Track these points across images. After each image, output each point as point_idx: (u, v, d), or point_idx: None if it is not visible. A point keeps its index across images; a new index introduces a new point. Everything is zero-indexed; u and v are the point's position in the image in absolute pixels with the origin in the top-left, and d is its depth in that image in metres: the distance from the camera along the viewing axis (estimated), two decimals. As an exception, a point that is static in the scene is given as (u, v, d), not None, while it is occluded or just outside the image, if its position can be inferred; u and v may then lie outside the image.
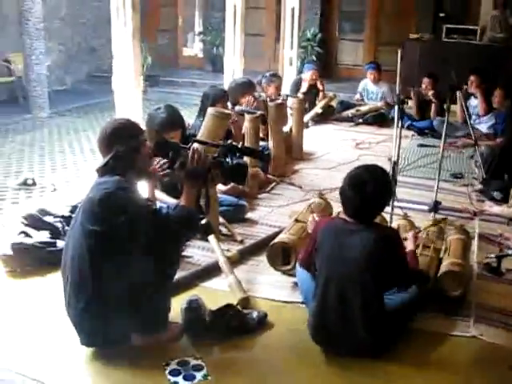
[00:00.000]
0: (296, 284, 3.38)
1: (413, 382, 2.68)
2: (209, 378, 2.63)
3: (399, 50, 4.14)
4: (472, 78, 6.90)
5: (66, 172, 5.95)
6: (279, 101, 5.81)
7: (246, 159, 4.51)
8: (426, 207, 4.68)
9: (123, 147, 2.68)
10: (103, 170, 2.68)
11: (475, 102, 6.97)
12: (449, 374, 2.74)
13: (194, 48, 12.75)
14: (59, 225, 3.86)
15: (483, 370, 2.78)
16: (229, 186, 4.59)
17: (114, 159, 2.66)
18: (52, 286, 3.24)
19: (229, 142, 3.14)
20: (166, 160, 2.98)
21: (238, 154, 3.59)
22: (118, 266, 2.59)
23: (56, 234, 3.79)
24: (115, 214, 2.55)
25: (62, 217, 3.96)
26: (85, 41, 10.75)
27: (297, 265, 3.34)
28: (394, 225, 3.94)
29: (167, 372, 2.66)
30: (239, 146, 3.02)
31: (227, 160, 2.96)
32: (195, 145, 2.85)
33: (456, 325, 3.13)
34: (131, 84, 4.89)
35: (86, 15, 10.61)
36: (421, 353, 2.89)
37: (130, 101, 4.92)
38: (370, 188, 2.77)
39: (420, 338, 3.00)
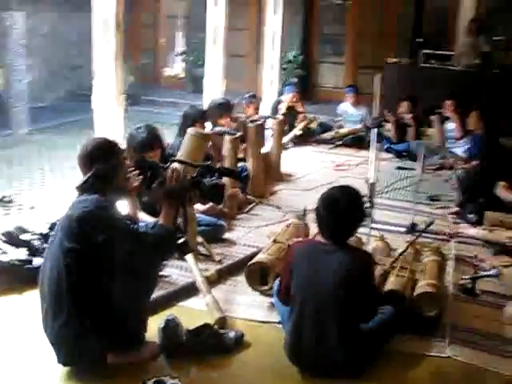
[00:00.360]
0: (273, 304, 3.39)
1: (389, 402, 2.70)
2: (184, 398, 2.63)
3: (374, 75, 4.23)
4: (448, 102, 7.04)
5: (44, 190, 5.90)
6: (258, 122, 5.84)
7: (225, 180, 4.55)
8: (402, 229, 4.74)
9: (103, 166, 2.70)
10: (83, 188, 2.70)
11: (451, 126, 7.10)
12: (424, 395, 2.77)
13: (176, 68, 12.79)
14: (37, 242, 3.84)
15: (459, 390, 2.82)
16: (207, 206, 4.62)
17: (93, 177, 2.68)
18: (29, 304, 3.22)
19: (208, 162, 3.17)
20: (142, 178, 2.99)
21: (216, 175, 3.62)
22: (95, 285, 2.60)
23: (33, 251, 3.76)
24: (93, 232, 2.56)
25: (40, 234, 3.94)
26: (66, 58, 10.73)
27: (275, 286, 3.35)
28: (371, 246, 3.98)
29: (143, 390, 2.64)
30: (217, 166, 3.06)
31: (205, 180, 2.98)
32: (174, 164, 2.87)
33: (432, 345, 3.16)
34: (112, 103, 4.90)
35: (69, 33, 10.61)
36: (398, 373, 2.92)
37: (111, 119, 4.93)
38: (342, 207, 2.82)
39: (396, 358, 3.03)
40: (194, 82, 11.47)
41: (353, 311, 2.84)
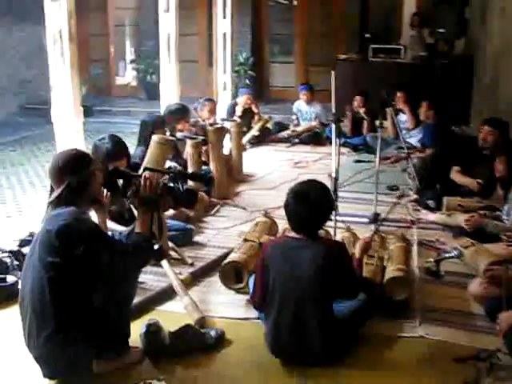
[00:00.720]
0: (250, 301, 3.48)
1: (368, 382, 2.82)
2: (173, 397, 2.70)
3: (332, 71, 4.35)
4: (399, 94, 7.25)
5: (5, 207, 5.84)
6: (218, 125, 5.92)
7: (190, 183, 4.63)
8: (366, 219, 4.90)
9: (76, 178, 2.73)
10: (57, 202, 2.71)
11: (404, 117, 7.31)
12: (400, 372, 2.93)
13: (127, 76, 12.74)
14: (8, 260, 3.83)
15: (431, 365, 2.98)
16: (175, 211, 4.68)
17: (67, 190, 2.70)
18: (4, 322, 3.22)
19: (178, 168, 3.24)
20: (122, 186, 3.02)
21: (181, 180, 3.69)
22: (78, 296, 2.63)
23: (5, 269, 3.76)
24: (74, 245, 2.59)
25: (10, 252, 3.93)
26: (16, 72, 10.58)
27: (250, 284, 3.45)
28: (338, 238, 4.11)
29: (132, 395, 2.71)
30: (188, 172, 3.12)
31: (177, 186, 3.04)
32: (146, 172, 2.93)
33: (403, 327, 3.32)
34: (71, 115, 4.90)
35: (16, 46, 10.47)
36: (373, 355, 3.06)
37: (71, 132, 4.93)
38: (312, 197, 2.92)
39: (371, 342, 3.16)
40: (147, 90, 11.49)
41: (329, 302, 2.96)
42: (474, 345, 3.08)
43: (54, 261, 2.59)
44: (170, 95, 6.82)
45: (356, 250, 3.40)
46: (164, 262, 3.74)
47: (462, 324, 3.35)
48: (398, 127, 6.24)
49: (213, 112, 6.85)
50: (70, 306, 2.63)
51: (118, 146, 4.09)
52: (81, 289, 2.64)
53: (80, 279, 2.63)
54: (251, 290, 3.33)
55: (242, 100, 7.99)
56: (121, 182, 3.52)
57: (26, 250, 3.90)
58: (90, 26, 11.90)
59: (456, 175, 5.21)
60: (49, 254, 2.61)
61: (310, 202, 2.91)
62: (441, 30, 8.01)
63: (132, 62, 12.44)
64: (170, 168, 4.52)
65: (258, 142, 8.06)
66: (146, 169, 2.97)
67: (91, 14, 11.77)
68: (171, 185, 2.98)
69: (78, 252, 2.58)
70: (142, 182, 2.82)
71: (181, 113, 5.60)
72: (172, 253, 4.21)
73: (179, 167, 4.81)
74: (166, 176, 3.20)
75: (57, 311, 2.61)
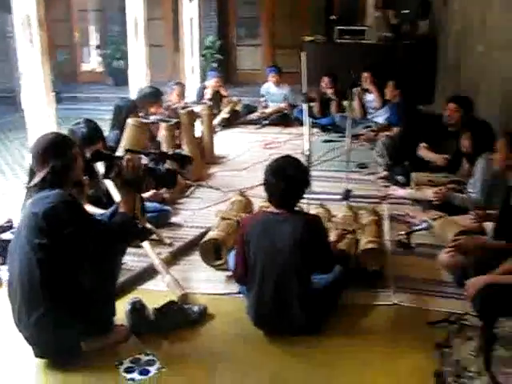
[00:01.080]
0: (230, 277, 3.59)
1: (347, 350, 2.97)
2: (163, 370, 2.80)
3: (302, 52, 4.44)
4: (365, 74, 7.37)
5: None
6: (189, 108, 5.98)
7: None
8: (338, 196, 5.04)
9: (60, 161, 2.77)
10: (41, 185, 2.74)
11: (371, 97, 7.45)
12: (377, 337, 3.09)
13: (92, 62, 12.62)
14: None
15: (406, 329, 3.15)
16: (151, 193, 4.75)
17: (51, 174, 2.74)
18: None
19: (159, 150, 3.30)
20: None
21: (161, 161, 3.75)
22: (67, 277, 2.70)
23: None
24: (61, 226, 2.64)
25: (-9, 237, 3.95)
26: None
27: (229, 260, 3.56)
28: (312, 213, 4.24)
29: (122, 370, 2.79)
30: (170, 152, 3.19)
31: (158, 167, 3.11)
32: (128, 154, 2.99)
33: (378, 296, 3.49)
34: (43, 101, 4.91)
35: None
36: (350, 323, 3.21)
37: (43, 118, 4.94)
38: (290, 171, 3.04)
39: (348, 311, 3.31)
40: (114, 76, 11.42)
41: (308, 273, 3.08)
42: (444, 310, 3.26)
43: (42, 242, 2.65)
44: (139, 80, 6.85)
45: (332, 237, 3.52)
46: (144, 243, 3.81)
47: (433, 291, 3.53)
48: (363, 107, 6.39)
49: (182, 95, 6.90)
50: (59, 286, 2.69)
51: (94, 130, 4.13)
52: (69, 269, 2.70)
53: (68, 260, 2.69)
54: (231, 266, 3.44)
55: (211, 83, 8.04)
56: (99, 164, 3.60)
57: (5, 236, 3.95)
58: (54, 11, 11.71)
59: (423, 151, 5.39)
60: (36, 236, 2.66)
61: (288, 175, 3.02)
62: (405, 11, 8.15)
63: (97, 47, 12.32)
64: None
65: (227, 124, 8.13)
66: (127, 150, 3.03)
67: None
68: (152, 166, 3.04)
69: (66, 233, 2.64)
70: (125, 163, 2.88)
71: (154, 96, 5.64)
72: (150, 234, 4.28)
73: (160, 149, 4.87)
74: (146, 157, 3.27)
75: (47, 292, 2.68)
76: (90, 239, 2.71)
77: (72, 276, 2.72)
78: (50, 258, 2.67)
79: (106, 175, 2.95)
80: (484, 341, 2.72)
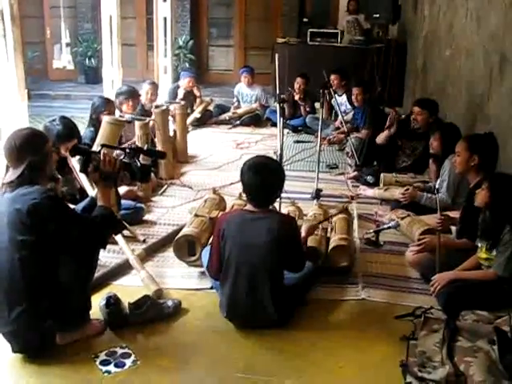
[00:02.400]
0: (203, 273, 3.67)
1: (317, 342, 3.07)
2: (138, 362, 2.86)
3: (276, 54, 4.53)
4: (333, 77, 7.43)
5: None
6: (163, 107, 6.02)
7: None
8: (308, 195, 5.15)
9: (36, 157, 2.80)
10: (20, 182, 2.75)
11: (340, 99, 7.55)
12: (346, 331, 3.20)
13: (63, 60, 12.51)
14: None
15: (374, 322, 3.27)
16: (124, 190, 4.79)
17: (28, 169, 2.76)
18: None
19: (134, 145, 3.35)
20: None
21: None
22: (48, 272, 2.74)
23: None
24: (46, 222, 2.67)
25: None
26: None
27: (202, 256, 3.63)
28: (284, 212, 4.34)
29: (98, 363, 2.84)
30: (144, 148, 3.25)
31: (133, 162, 3.17)
32: (104, 149, 3.05)
33: (347, 291, 3.60)
34: (15, 98, 4.90)
35: None
36: (320, 318, 3.31)
37: (15, 115, 4.93)
38: (267, 168, 3.14)
39: (318, 305, 3.42)
40: (86, 74, 11.36)
41: (281, 270, 3.19)
42: (410, 304, 3.39)
43: (25, 239, 2.67)
44: (112, 79, 6.85)
45: (302, 231, 3.62)
46: (119, 238, 3.85)
47: (400, 287, 3.66)
48: (338, 108, 6.53)
49: (155, 95, 6.92)
50: (39, 282, 2.73)
51: (69, 127, 4.15)
52: (50, 264, 2.74)
53: (50, 255, 2.73)
54: (204, 262, 3.51)
55: (185, 83, 8.07)
56: (75, 161, 3.64)
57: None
58: (24, 8, 11.58)
59: (378, 137, 5.70)
60: (19, 233, 2.67)
61: (266, 172, 3.12)
62: (375, 16, 8.30)
63: (68, 45, 12.24)
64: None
65: (199, 124, 8.17)
66: (103, 145, 3.08)
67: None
68: (127, 161, 3.10)
69: (51, 228, 2.67)
70: (102, 158, 2.94)
71: (130, 95, 5.67)
72: (124, 231, 4.31)
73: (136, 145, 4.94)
74: (120, 152, 3.31)
75: (28, 288, 2.70)
76: (75, 233, 2.75)
77: (52, 271, 2.75)
78: (33, 255, 2.69)
79: (84, 169, 2.99)
80: (447, 333, 2.86)
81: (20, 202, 2.68)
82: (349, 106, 7.44)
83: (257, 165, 3.17)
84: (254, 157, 3.29)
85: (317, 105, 7.57)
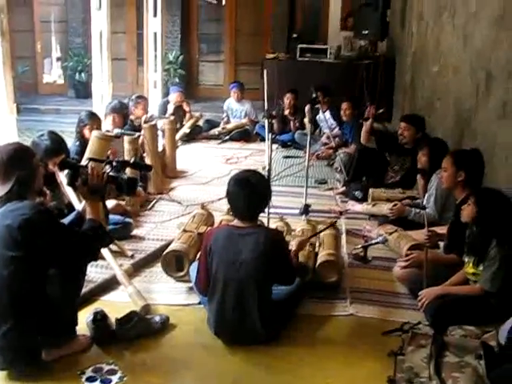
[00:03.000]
0: (191, 288, 3.66)
1: (305, 358, 3.06)
2: (125, 379, 2.83)
3: (265, 69, 4.56)
4: (318, 93, 7.43)
5: None
6: (152, 122, 6.03)
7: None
8: (297, 211, 5.16)
9: (24, 171, 2.79)
10: (8, 197, 2.74)
11: (323, 116, 7.48)
12: (333, 347, 3.19)
13: (53, 74, 12.52)
14: None
15: (361, 339, 3.26)
16: (113, 205, 4.79)
17: (17, 184, 2.75)
18: None
19: (121, 158, 3.35)
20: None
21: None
22: (37, 288, 2.71)
23: None
24: (37, 237, 2.65)
25: None
26: None
27: (190, 271, 3.63)
28: (272, 227, 4.34)
29: (84, 379, 2.82)
30: (130, 161, 3.25)
31: (120, 175, 3.18)
32: (91, 163, 3.04)
33: (335, 307, 3.60)
34: (4, 112, 4.89)
35: None
36: (308, 333, 3.31)
37: (4, 129, 4.92)
38: (253, 182, 3.14)
39: (306, 321, 3.42)
40: (76, 88, 11.36)
41: (269, 285, 3.18)
42: (398, 320, 3.39)
43: (16, 255, 2.64)
44: (102, 93, 6.86)
45: (292, 246, 3.61)
46: (107, 254, 3.84)
47: (388, 302, 3.66)
48: (325, 123, 6.56)
49: (146, 109, 6.93)
50: (27, 298, 2.70)
51: (57, 142, 4.14)
52: (38, 280, 2.72)
53: (39, 271, 2.71)
54: (193, 277, 3.51)
55: (174, 97, 8.10)
56: (62, 175, 3.63)
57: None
58: (15, 22, 11.59)
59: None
60: (9, 249, 2.65)
61: (251, 187, 3.12)
62: (364, 32, 8.37)
63: (58, 59, 12.25)
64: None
65: (189, 139, 8.19)
66: (90, 159, 3.08)
67: (16, 8, 11.46)
68: (113, 174, 3.11)
69: (42, 243, 2.65)
70: (90, 171, 2.94)
71: (119, 109, 5.68)
72: (112, 246, 4.29)
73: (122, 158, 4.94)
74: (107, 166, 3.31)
75: (15, 305, 2.68)
76: (67, 247, 2.73)
77: (40, 287, 2.73)
78: (22, 271, 2.67)
79: (72, 183, 2.99)
80: (435, 348, 2.86)
81: (10, 218, 2.66)
82: (333, 122, 7.46)
83: (241, 179, 3.18)
84: (239, 171, 3.30)
85: (306, 120, 7.60)
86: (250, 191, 3.12)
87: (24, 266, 2.67)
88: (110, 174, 3.08)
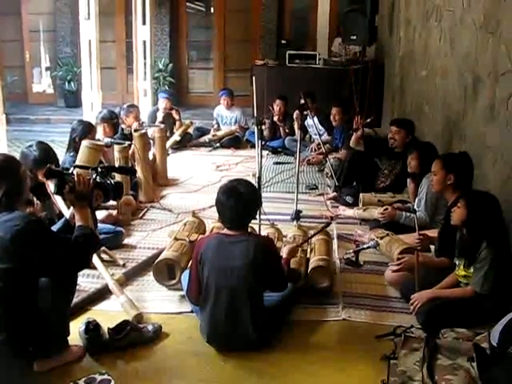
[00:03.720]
0: (183, 297, 3.65)
1: (298, 363, 3.06)
2: (117, 388, 2.83)
3: (253, 76, 4.57)
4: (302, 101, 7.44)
5: None
6: (142, 130, 6.02)
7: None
8: (288, 217, 5.17)
9: (12, 182, 2.79)
10: None
11: (311, 122, 7.47)
12: (327, 351, 3.19)
13: (43, 84, 12.50)
14: None
15: (355, 343, 3.27)
16: (105, 214, 4.79)
17: (6, 196, 2.73)
18: None
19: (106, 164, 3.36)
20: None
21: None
22: (27, 300, 2.69)
23: None
24: (30, 247, 2.63)
25: None
26: None
27: (182, 280, 3.62)
28: (264, 234, 4.34)
29: (76, 390, 2.81)
30: (116, 166, 3.27)
31: (106, 180, 3.19)
32: (77, 170, 3.06)
33: (328, 312, 3.60)
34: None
35: None
36: (301, 339, 3.31)
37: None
38: (241, 191, 3.14)
39: (298, 326, 3.42)
40: (66, 98, 11.35)
41: (261, 292, 3.19)
42: (391, 323, 3.40)
43: (8, 267, 2.61)
44: (91, 102, 6.86)
45: (284, 253, 3.62)
46: (98, 263, 3.83)
47: (380, 306, 3.67)
48: (314, 129, 6.58)
49: (137, 118, 6.92)
50: (19, 311, 2.67)
51: (46, 152, 4.11)
52: (29, 292, 2.70)
53: (30, 282, 2.69)
54: (185, 286, 3.50)
55: (163, 106, 8.10)
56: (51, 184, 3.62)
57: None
58: (3, 31, 11.59)
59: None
60: (2, 261, 2.61)
61: (240, 196, 3.13)
62: (353, 38, 8.41)
63: (48, 69, 12.23)
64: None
65: (179, 147, 8.19)
66: (75, 166, 3.10)
67: (4, 18, 11.46)
68: (99, 180, 3.12)
69: (35, 254, 2.63)
70: (76, 178, 2.94)
71: (110, 119, 5.67)
72: (104, 255, 4.29)
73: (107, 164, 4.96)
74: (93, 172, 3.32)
75: (8, 319, 2.65)
76: (61, 255, 2.71)
77: (31, 298, 2.71)
78: (13, 283, 2.64)
79: (59, 191, 2.99)
80: (427, 351, 2.87)
81: (1, 230, 2.63)
82: (321, 128, 7.47)
83: (229, 189, 3.18)
84: (228, 181, 3.31)
85: (295, 126, 7.65)
86: (237, 200, 3.12)
87: (15, 278, 2.64)
88: (96, 179, 3.10)
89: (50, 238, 2.75)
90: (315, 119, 7.41)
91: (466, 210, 3.36)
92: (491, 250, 3.24)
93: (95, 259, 3.85)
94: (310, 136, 7.84)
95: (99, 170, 3.19)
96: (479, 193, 3.53)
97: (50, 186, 3.88)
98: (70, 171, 3.04)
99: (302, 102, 5.91)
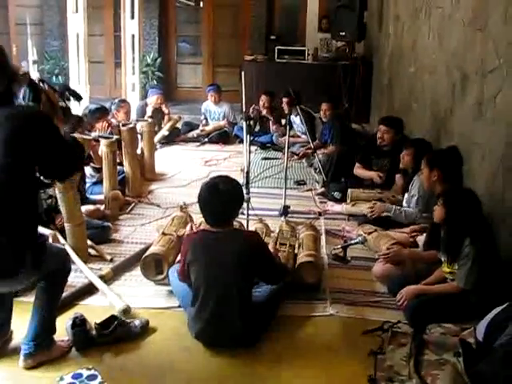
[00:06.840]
0: (171, 292, 3.65)
1: (286, 358, 3.07)
2: None
3: (242, 71, 4.56)
4: (284, 100, 7.41)
5: None
6: (131, 125, 5.98)
7: (106, 183, 4.80)
8: (276, 212, 5.16)
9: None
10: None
11: (297, 120, 7.47)
12: (315, 347, 3.20)
13: (30, 77, 12.35)
14: None
15: (342, 338, 3.28)
16: (92, 209, 4.76)
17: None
18: None
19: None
20: None
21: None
22: (30, 200, 2.66)
23: None
24: (43, 129, 2.65)
25: None
26: None
27: (170, 275, 3.61)
28: (252, 229, 4.34)
29: (63, 385, 2.79)
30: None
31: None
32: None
33: (316, 307, 3.61)
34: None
35: None
36: (289, 334, 3.31)
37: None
38: (223, 188, 3.12)
39: (287, 322, 3.42)
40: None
41: (249, 288, 3.19)
42: (378, 319, 3.41)
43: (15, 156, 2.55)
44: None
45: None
46: (77, 260, 3.83)
47: (367, 302, 3.68)
48: (305, 126, 6.59)
49: (128, 114, 6.89)
50: (20, 210, 2.60)
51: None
52: (31, 190, 2.66)
53: (32, 178, 2.65)
54: (172, 281, 3.52)
55: (153, 100, 8.06)
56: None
57: None
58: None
59: (359, 171, 5.61)
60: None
61: (221, 193, 3.11)
62: (342, 34, 8.42)
63: (35, 62, 12.11)
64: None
65: (168, 141, 8.16)
66: (41, 80, 3.29)
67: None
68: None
69: (44, 138, 2.61)
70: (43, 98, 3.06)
71: (101, 112, 5.65)
72: (91, 250, 4.28)
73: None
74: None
75: (9, 218, 2.57)
76: (62, 151, 2.71)
77: (33, 199, 2.69)
78: (16, 178, 2.56)
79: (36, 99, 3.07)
80: (414, 346, 2.88)
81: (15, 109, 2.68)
82: (302, 126, 7.39)
83: (211, 185, 3.17)
84: (211, 178, 3.30)
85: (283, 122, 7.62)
86: (218, 197, 3.11)
87: (17, 172, 2.56)
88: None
89: (57, 129, 2.77)
90: (298, 117, 7.39)
91: (445, 209, 3.37)
92: (474, 247, 3.26)
93: (76, 258, 3.86)
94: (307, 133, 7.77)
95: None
96: (457, 190, 3.55)
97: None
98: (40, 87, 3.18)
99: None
